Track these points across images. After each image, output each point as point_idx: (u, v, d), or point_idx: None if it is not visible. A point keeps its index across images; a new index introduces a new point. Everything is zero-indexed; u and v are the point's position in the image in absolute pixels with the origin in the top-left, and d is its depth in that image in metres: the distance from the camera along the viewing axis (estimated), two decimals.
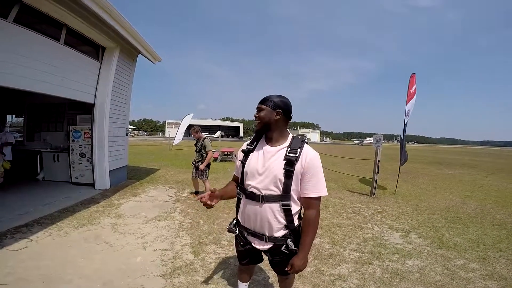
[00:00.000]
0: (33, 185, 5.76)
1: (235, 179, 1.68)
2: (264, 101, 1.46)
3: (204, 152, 4.93)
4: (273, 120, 1.43)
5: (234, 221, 1.67)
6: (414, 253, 3.11)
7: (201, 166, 4.85)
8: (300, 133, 1.58)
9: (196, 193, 5.34)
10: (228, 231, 1.66)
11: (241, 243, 1.63)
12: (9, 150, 5.69)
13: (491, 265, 2.83)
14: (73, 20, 4.46)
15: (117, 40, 5.54)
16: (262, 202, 1.41)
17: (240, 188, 1.56)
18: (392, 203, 5.42)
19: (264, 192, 1.41)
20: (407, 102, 6.39)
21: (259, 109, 1.46)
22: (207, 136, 5.00)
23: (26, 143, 6.84)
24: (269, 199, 1.41)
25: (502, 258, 3.00)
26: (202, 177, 4.98)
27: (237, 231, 1.63)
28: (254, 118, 1.48)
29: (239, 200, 1.60)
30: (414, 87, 6.54)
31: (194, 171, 5.09)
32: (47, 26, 4.31)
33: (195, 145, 5.10)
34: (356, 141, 74.09)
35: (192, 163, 5.17)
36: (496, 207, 5.30)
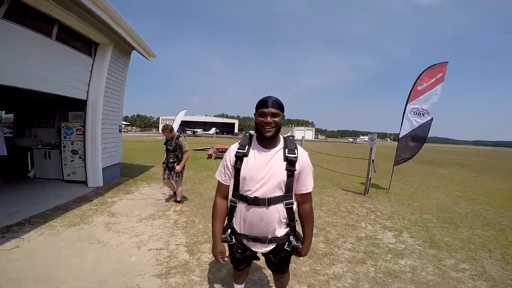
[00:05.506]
0: (24, 182, 5.65)
1: (224, 189, 1.54)
2: (279, 106, 1.39)
3: (179, 152, 4.50)
4: (281, 124, 1.43)
5: (229, 231, 1.57)
6: (406, 252, 3.16)
7: (178, 168, 4.40)
8: (288, 135, 1.60)
9: (174, 194, 4.80)
10: (223, 241, 1.57)
11: (239, 251, 1.60)
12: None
13: (481, 265, 2.90)
14: (65, 15, 4.35)
15: (111, 36, 5.43)
16: (267, 205, 1.41)
17: (235, 196, 1.47)
18: (385, 202, 5.50)
19: (268, 195, 1.41)
20: (413, 99, 6.31)
21: (275, 115, 1.37)
22: (181, 135, 4.60)
23: (16, 139, 6.67)
24: (274, 201, 1.42)
25: (491, 259, 3.08)
26: (177, 179, 4.52)
27: (234, 240, 1.57)
28: (265, 123, 1.37)
29: (232, 208, 1.51)
30: (429, 82, 6.27)
31: (166, 172, 4.53)
32: (38, 22, 4.18)
33: (165, 144, 4.60)
34: (350, 139, 75.29)
35: (163, 163, 4.58)
36: (486, 207, 5.42)
